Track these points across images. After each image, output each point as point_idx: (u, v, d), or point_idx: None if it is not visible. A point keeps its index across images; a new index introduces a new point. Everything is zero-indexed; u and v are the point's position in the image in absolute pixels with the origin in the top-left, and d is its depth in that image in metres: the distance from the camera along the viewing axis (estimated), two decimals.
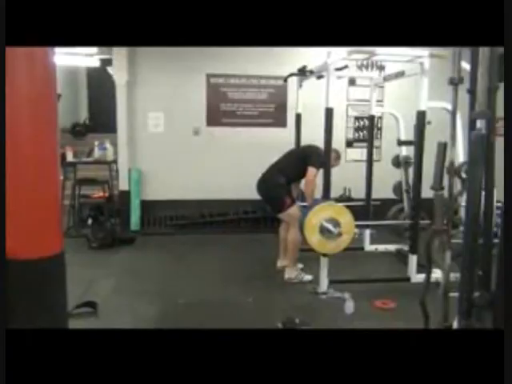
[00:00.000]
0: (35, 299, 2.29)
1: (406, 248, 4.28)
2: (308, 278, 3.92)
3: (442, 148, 2.06)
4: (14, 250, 2.25)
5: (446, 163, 2.15)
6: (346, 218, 3.55)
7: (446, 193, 2.16)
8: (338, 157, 4.09)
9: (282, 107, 6.00)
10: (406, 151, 4.72)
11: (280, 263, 4.16)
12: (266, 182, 3.99)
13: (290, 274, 3.95)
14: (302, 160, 3.89)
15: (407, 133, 4.63)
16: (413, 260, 3.72)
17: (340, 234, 3.50)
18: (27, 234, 2.27)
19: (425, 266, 3.21)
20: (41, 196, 2.28)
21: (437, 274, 2.54)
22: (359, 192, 5.08)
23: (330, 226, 3.48)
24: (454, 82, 2.09)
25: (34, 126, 2.28)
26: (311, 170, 3.76)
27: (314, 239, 3.51)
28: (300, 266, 4.07)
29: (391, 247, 4.70)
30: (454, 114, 2.09)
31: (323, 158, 3.71)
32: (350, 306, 3.29)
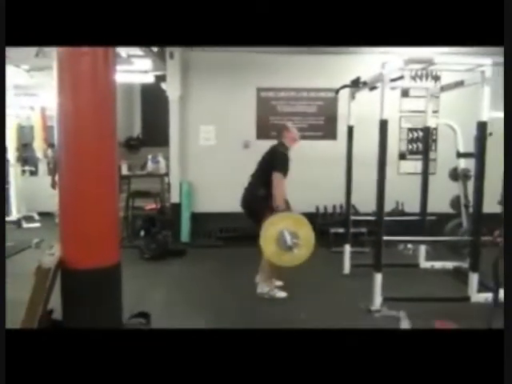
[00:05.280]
0: (94, 308, 2.36)
1: (465, 265, 4.06)
2: (281, 295, 3.80)
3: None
4: (75, 259, 2.34)
5: None
6: (305, 231, 3.41)
7: None
8: (287, 129, 3.98)
9: (331, 120, 5.94)
10: (465, 163, 4.51)
11: (259, 278, 3.97)
12: (245, 196, 3.89)
13: (261, 288, 3.83)
14: (270, 164, 3.76)
15: (465, 144, 4.43)
16: (474, 278, 3.51)
17: (296, 246, 3.34)
18: (89, 244, 2.36)
19: (488, 286, 3.03)
20: (102, 209, 2.37)
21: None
22: (413, 206, 4.91)
23: (286, 237, 3.34)
24: None
25: (97, 139, 2.37)
26: (275, 175, 3.62)
27: (270, 250, 3.40)
28: (279, 283, 3.92)
29: (449, 264, 4.47)
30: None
31: (286, 164, 3.71)
32: (405, 326, 3.15)
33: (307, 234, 3.44)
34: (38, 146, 8.16)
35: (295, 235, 3.38)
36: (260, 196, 3.71)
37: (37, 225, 6.91)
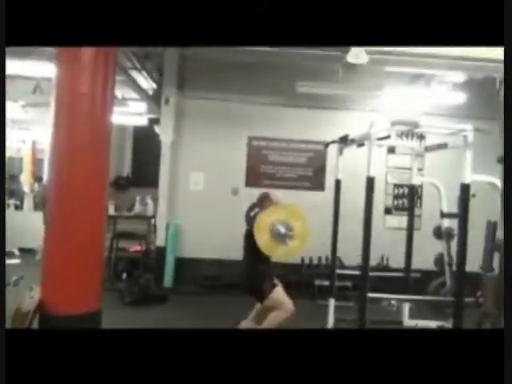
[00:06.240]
0: None
1: (448, 325, 4.04)
2: None
3: (492, 227, 1.99)
4: (55, 304, 2.28)
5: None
6: (300, 223, 3.43)
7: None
8: (270, 200, 3.83)
9: (320, 171, 6.05)
10: (449, 222, 4.60)
11: (245, 324, 3.89)
12: (245, 271, 3.80)
13: None
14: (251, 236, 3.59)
15: (449, 202, 4.53)
16: None
17: (289, 238, 3.35)
18: (71, 289, 2.31)
19: None
20: (88, 253, 2.34)
21: None
22: (397, 261, 4.93)
23: (280, 228, 3.35)
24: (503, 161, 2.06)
25: (89, 181, 2.39)
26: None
27: (263, 240, 3.38)
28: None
29: (432, 324, 4.45)
30: (504, 192, 2.04)
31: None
32: None
33: (301, 226, 3.44)
34: (26, 180, 8.11)
35: (289, 227, 3.37)
36: (255, 268, 3.67)
37: (16, 261, 6.74)
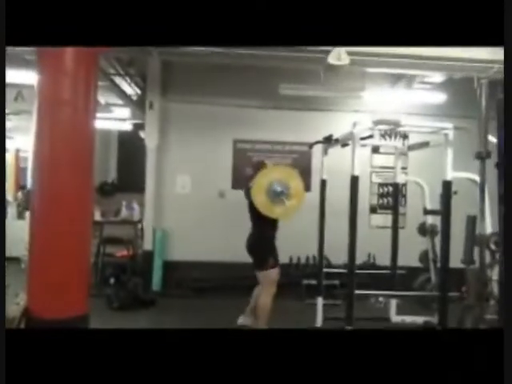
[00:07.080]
0: None
1: (434, 321, 4.11)
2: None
3: (472, 221, 2.04)
4: (42, 309, 2.27)
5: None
6: (296, 182, 3.53)
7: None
8: (263, 164, 4.00)
9: (306, 172, 6.07)
10: (432, 219, 4.67)
11: (242, 320, 3.96)
12: (252, 238, 3.88)
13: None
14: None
15: (432, 200, 4.61)
16: None
17: (286, 197, 3.43)
18: (57, 293, 2.30)
19: None
20: (74, 258, 2.34)
21: None
22: (383, 259, 4.99)
23: (277, 187, 3.44)
24: (481, 156, 2.12)
25: (73, 188, 2.38)
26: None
27: (261, 200, 3.44)
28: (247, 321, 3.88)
29: (419, 319, 4.52)
30: (482, 187, 2.10)
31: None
32: None
33: (298, 185, 3.52)
34: (9, 189, 8.00)
35: (286, 186, 3.44)
36: (267, 236, 3.76)
37: None
